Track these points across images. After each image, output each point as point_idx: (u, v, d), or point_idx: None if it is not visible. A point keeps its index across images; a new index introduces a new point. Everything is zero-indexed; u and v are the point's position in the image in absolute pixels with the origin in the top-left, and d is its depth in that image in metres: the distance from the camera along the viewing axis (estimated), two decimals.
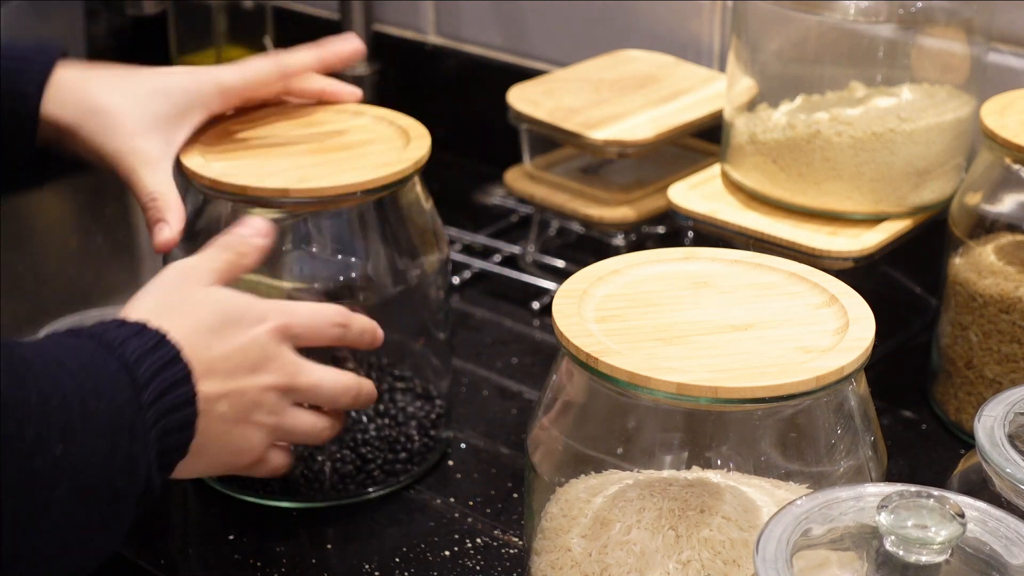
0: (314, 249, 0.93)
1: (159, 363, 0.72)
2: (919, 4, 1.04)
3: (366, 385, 0.86)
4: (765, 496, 0.76)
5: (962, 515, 0.62)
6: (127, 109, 0.90)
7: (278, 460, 0.83)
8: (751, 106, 1.09)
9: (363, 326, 0.86)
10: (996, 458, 0.71)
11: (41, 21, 1.56)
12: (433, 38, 1.52)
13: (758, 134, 1.06)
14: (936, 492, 0.63)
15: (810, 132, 1.04)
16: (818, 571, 0.62)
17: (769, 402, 0.71)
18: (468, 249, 1.32)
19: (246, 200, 0.90)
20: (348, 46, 0.99)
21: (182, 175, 0.91)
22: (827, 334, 0.75)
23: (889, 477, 0.78)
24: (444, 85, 1.52)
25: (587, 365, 0.72)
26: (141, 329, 0.74)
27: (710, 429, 0.77)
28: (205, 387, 0.75)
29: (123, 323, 0.74)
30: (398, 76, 1.53)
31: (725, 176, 1.11)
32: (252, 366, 0.78)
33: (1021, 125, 0.98)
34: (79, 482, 0.67)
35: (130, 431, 0.70)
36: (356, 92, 1.01)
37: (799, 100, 1.07)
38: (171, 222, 0.88)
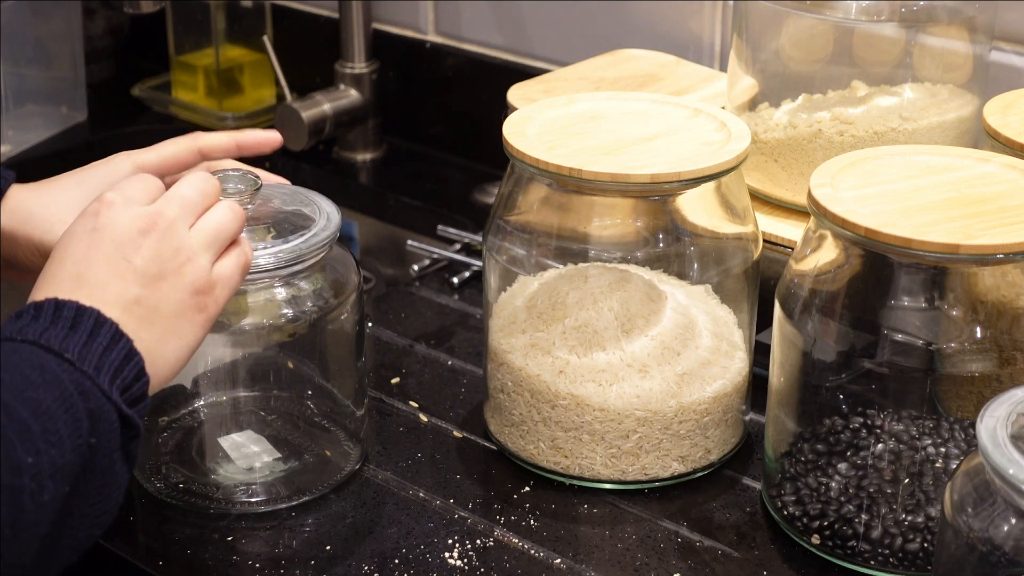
0: None
1: (85, 327, 0.75)
2: (921, 3, 1.04)
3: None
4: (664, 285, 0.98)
5: None
6: (50, 211, 0.93)
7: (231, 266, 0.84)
8: (752, 105, 1.08)
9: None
10: (999, 459, 0.71)
11: (39, 20, 1.56)
12: (432, 37, 1.52)
13: (759, 133, 1.06)
14: None
15: (812, 131, 1.03)
16: None
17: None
18: (468, 249, 1.32)
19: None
20: (268, 138, 1.00)
21: None
22: (713, 134, 0.96)
23: None
24: (443, 84, 1.51)
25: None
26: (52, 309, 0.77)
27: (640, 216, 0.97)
28: (122, 301, 0.78)
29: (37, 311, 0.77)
30: (397, 75, 1.53)
31: None
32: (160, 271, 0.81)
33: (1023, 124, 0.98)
34: (61, 465, 0.71)
35: (80, 391, 0.73)
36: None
37: (800, 99, 1.06)
38: None
